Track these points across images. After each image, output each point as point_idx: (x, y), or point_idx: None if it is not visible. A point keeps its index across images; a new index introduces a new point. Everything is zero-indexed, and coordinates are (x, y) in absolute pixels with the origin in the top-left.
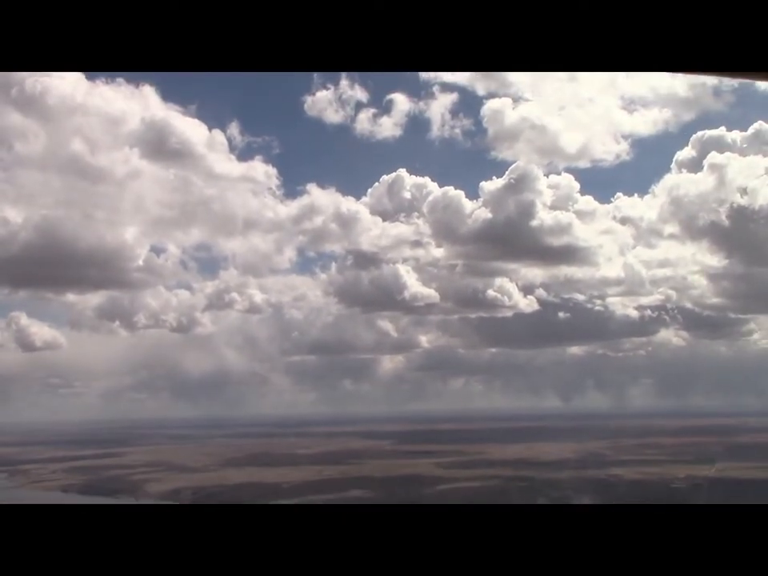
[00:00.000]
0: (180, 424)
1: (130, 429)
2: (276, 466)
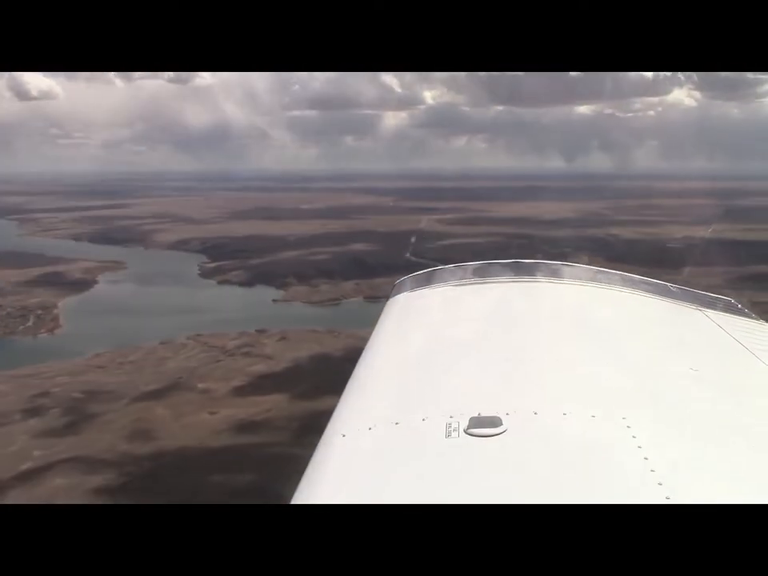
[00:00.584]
0: (183, 177)
1: (134, 180)
2: (280, 220)
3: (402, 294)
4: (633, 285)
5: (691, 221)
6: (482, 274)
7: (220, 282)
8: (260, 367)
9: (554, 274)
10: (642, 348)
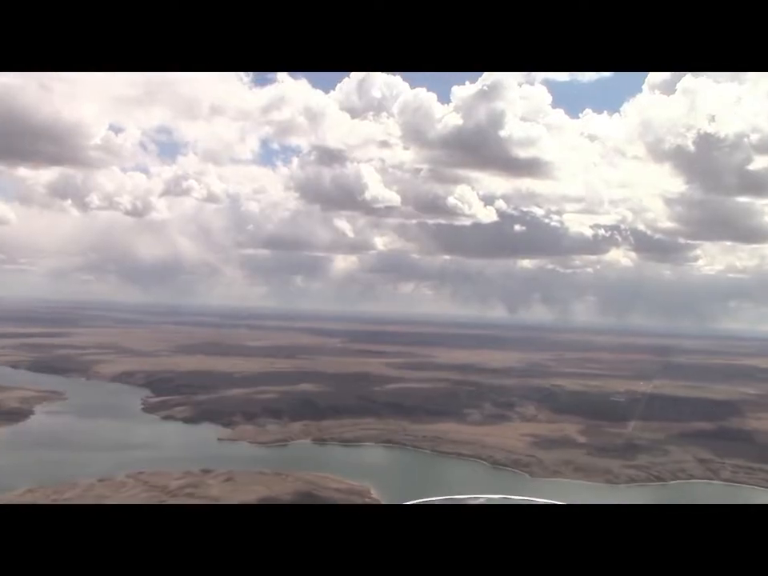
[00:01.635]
0: (129, 308)
1: (78, 309)
2: (227, 356)
3: None
4: None
5: (632, 375)
6: None
7: (164, 418)
8: None
9: None
10: None
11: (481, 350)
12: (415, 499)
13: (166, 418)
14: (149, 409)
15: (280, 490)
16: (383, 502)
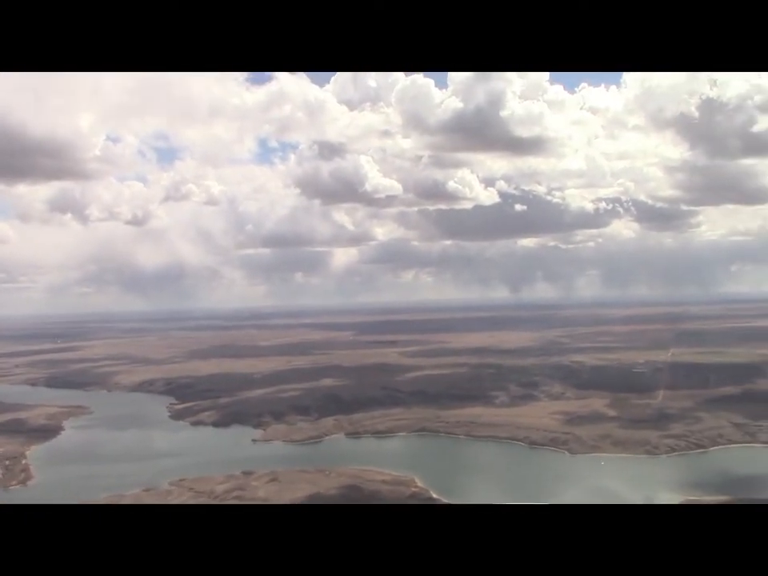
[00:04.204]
0: (133, 318)
1: (83, 323)
2: (242, 357)
3: None
4: None
5: (647, 345)
6: None
7: (193, 424)
8: None
9: None
10: None
11: (492, 332)
12: (461, 486)
13: (195, 423)
14: (176, 416)
15: (326, 485)
16: (430, 491)
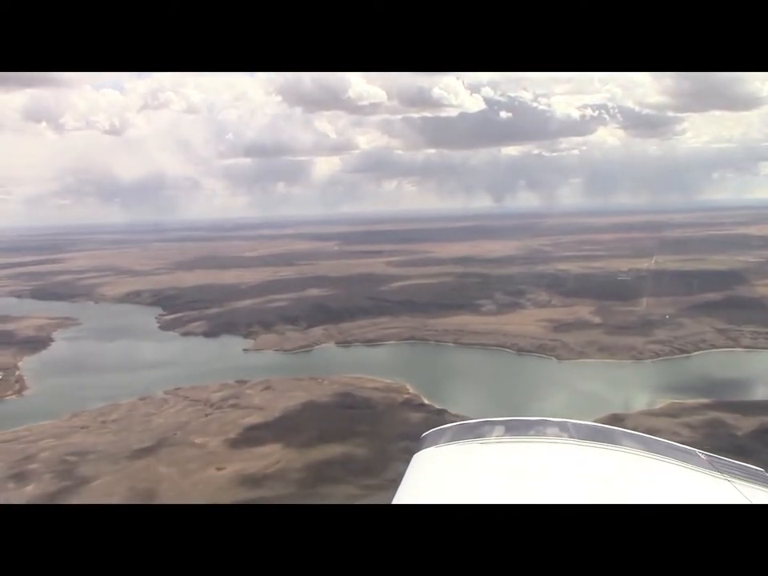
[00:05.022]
0: (114, 229)
1: (62, 235)
2: (227, 268)
3: (428, 450)
4: (661, 450)
5: (631, 254)
6: (501, 431)
7: (183, 334)
8: (254, 419)
9: (580, 434)
10: None
11: (476, 242)
12: (453, 392)
13: (185, 334)
14: (165, 326)
15: (319, 393)
16: (421, 397)
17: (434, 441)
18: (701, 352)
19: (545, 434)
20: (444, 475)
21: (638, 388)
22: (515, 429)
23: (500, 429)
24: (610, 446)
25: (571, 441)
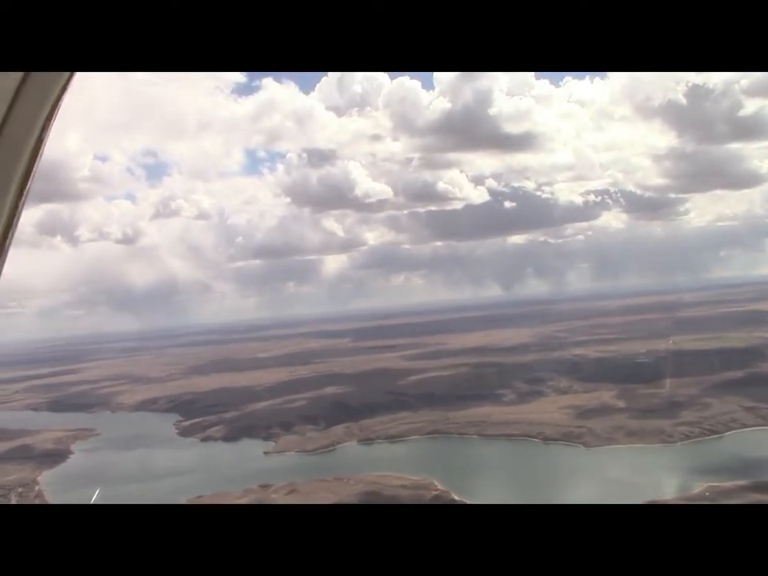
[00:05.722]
0: (126, 337)
1: (76, 345)
2: (242, 371)
3: None
4: None
5: (645, 335)
6: None
7: (203, 440)
8: None
9: None
10: None
11: (489, 331)
12: (482, 486)
13: (205, 439)
14: (184, 433)
15: (346, 493)
16: (451, 493)
17: None
18: (732, 432)
19: None
20: None
21: (671, 472)
22: None
23: None
24: None
25: None
